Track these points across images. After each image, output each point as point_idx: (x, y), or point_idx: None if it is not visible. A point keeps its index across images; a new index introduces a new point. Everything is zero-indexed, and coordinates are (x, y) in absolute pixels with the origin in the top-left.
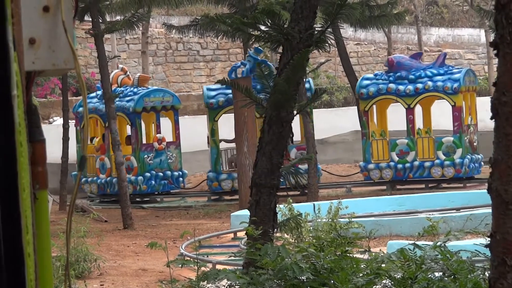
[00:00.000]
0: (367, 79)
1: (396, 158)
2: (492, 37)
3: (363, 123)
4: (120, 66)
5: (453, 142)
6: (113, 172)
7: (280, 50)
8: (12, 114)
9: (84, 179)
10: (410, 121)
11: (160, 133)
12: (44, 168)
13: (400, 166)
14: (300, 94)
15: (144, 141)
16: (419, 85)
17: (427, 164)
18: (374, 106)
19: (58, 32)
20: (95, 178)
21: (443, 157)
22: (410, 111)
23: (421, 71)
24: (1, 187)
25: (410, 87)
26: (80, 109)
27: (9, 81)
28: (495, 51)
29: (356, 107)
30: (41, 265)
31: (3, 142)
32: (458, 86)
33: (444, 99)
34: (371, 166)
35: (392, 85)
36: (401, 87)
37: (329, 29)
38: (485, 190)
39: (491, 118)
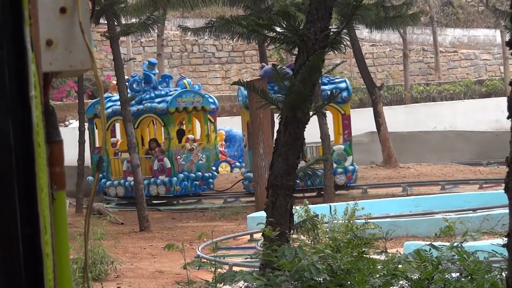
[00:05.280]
0: None
1: (334, 164)
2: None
3: (250, 134)
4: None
5: (344, 150)
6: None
7: (295, 51)
8: (30, 115)
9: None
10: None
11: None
12: (62, 168)
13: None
14: (315, 96)
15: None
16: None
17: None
18: None
19: (75, 33)
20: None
21: (334, 164)
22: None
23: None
24: (20, 187)
25: None
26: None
27: (27, 82)
28: (511, 51)
29: (372, 108)
30: (59, 266)
31: (21, 143)
32: (348, 95)
33: (335, 108)
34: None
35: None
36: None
37: (344, 30)
38: (502, 191)
39: (508, 118)
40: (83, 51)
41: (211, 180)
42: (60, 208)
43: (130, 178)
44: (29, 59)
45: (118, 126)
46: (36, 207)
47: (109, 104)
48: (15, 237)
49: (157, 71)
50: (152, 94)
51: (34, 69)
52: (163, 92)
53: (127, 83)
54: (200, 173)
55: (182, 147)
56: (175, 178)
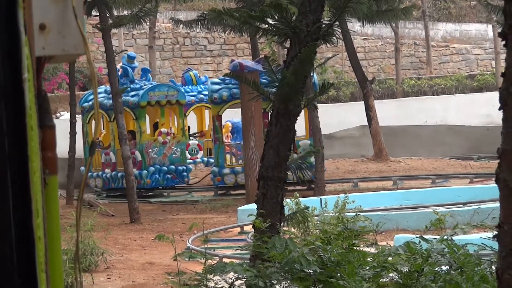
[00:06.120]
0: (216, 83)
1: None
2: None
3: (216, 128)
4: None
5: (310, 145)
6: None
7: (287, 44)
8: (23, 97)
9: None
10: (266, 124)
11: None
12: (54, 153)
13: None
14: (307, 89)
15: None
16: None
17: None
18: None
19: (68, 18)
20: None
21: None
22: (265, 115)
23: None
24: (12, 170)
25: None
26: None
27: (20, 65)
28: (503, 42)
29: (363, 102)
30: (51, 250)
31: (14, 125)
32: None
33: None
34: (226, 171)
35: None
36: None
37: (336, 23)
38: (492, 185)
39: (499, 109)
40: (76, 36)
41: (185, 174)
42: (52, 193)
43: (107, 170)
44: (23, 42)
45: (101, 119)
46: (28, 190)
47: (92, 96)
48: (7, 220)
49: (136, 64)
50: (128, 88)
51: (27, 52)
52: (138, 86)
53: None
54: (173, 167)
55: (154, 141)
56: (145, 171)
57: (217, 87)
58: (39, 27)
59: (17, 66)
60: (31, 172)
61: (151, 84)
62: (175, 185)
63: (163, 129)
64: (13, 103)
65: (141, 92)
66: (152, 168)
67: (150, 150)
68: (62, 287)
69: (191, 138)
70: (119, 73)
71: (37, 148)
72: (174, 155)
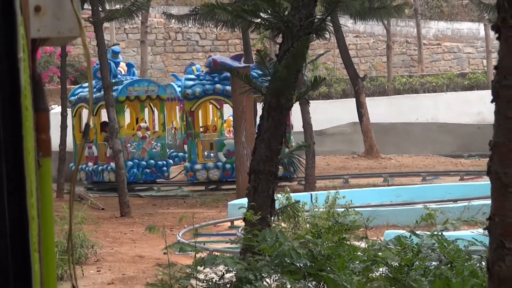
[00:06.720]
0: (190, 79)
1: (224, 158)
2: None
3: (188, 124)
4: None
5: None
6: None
7: (279, 40)
8: (18, 76)
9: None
10: None
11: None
12: (48, 136)
13: (228, 166)
14: (299, 84)
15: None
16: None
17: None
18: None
19: (64, 0)
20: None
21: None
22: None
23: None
24: (7, 149)
25: None
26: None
27: (15, 44)
28: (496, 35)
29: (354, 99)
30: (44, 231)
31: (8, 104)
32: None
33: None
34: (198, 166)
35: (219, 86)
36: (228, 88)
37: (329, 18)
38: (483, 183)
39: (492, 101)
40: (71, 19)
41: (165, 168)
42: (45, 175)
43: (90, 164)
44: (18, 22)
45: (86, 112)
46: (22, 170)
47: (79, 90)
48: (1, 199)
49: (120, 59)
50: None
51: (23, 31)
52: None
53: None
54: (153, 161)
55: (133, 135)
56: None
57: (191, 83)
58: (35, 9)
59: (13, 45)
60: (25, 152)
61: (132, 79)
62: (156, 180)
63: (143, 124)
64: (8, 82)
65: (120, 87)
66: (130, 163)
67: (129, 144)
68: (55, 267)
69: None
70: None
71: (31, 129)
72: (154, 150)
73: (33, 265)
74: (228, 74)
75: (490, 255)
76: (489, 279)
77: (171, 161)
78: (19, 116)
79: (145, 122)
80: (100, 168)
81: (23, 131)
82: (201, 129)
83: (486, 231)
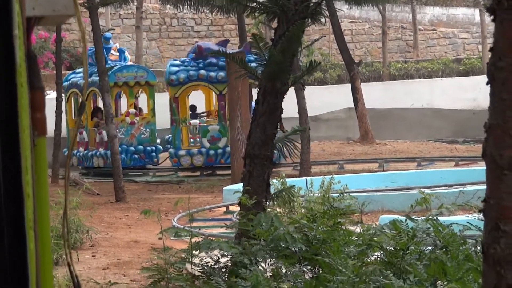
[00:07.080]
0: (175, 65)
1: (208, 145)
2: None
3: (173, 110)
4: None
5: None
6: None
7: (274, 25)
8: (13, 53)
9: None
10: (222, 107)
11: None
12: (43, 114)
13: (211, 152)
14: (294, 69)
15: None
16: None
17: None
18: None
19: None
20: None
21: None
22: (221, 97)
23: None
24: (2, 126)
25: (222, 73)
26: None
27: (10, 21)
28: (492, 17)
29: (349, 84)
30: (39, 209)
31: (4, 81)
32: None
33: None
34: (181, 152)
35: (203, 72)
36: (212, 74)
37: (324, 2)
38: (478, 168)
39: (487, 84)
40: None
41: (154, 154)
42: (40, 154)
43: (81, 149)
44: None
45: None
46: (17, 147)
47: (72, 76)
48: None
49: (112, 44)
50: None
51: (18, 9)
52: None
53: None
54: (141, 147)
55: (122, 121)
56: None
57: (176, 69)
58: None
59: (8, 22)
60: (20, 129)
61: (121, 65)
62: (144, 166)
63: (131, 110)
64: (4, 59)
65: (108, 73)
66: (119, 148)
67: (118, 130)
68: (50, 245)
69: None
70: (91, 52)
71: (26, 106)
72: (143, 136)
73: (29, 243)
74: (213, 60)
75: (485, 238)
76: (484, 262)
77: (160, 146)
78: (14, 93)
79: (134, 108)
80: (89, 153)
81: (18, 108)
82: (204, 114)
83: (481, 215)
